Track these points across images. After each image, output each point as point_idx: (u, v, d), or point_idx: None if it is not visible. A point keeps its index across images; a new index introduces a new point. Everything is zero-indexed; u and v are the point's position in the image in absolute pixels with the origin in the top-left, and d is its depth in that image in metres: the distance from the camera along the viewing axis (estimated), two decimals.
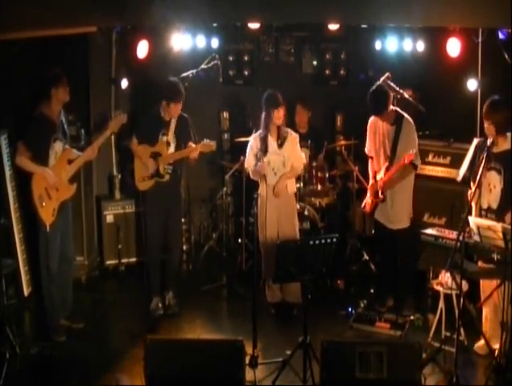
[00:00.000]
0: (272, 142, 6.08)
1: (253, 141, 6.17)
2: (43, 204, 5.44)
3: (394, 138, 5.94)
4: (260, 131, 6.12)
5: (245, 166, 6.21)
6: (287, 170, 6.12)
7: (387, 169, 6.01)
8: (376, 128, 6.10)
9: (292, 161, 6.12)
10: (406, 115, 5.97)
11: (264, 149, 6.05)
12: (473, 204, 5.20)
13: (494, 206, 5.15)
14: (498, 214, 5.09)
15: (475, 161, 5.27)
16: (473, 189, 5.08)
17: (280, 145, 6.06)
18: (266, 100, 6.05)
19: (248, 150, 6.18)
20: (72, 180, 5.66)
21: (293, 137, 6.15)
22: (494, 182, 5.13)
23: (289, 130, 6.16)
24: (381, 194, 6.05)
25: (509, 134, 5.11)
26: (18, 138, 5.53)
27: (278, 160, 6.09)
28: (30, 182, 5.43)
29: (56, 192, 5.51)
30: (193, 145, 6.10)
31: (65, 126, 5.67)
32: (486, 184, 5.17)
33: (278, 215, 6.13)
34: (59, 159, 5.56)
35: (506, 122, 5.05)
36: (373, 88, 5.92)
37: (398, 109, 6.01)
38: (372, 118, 6.11)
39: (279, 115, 6.00)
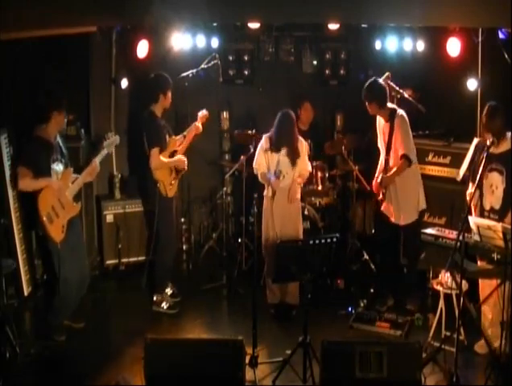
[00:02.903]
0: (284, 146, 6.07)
1: (264, 140, 6.15)
2: (52, 222, 5.41)
3: (389, 136, 5.97)
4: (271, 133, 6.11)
5: (255, 165, 6.19)
6: (295, 173, 6.11)
7: (382, 169, 6.05)
8: (379, 126, 6.14)
9: (300, 167, 6.13)
10: (398, 110, 5.97)
11: (276, 150, 6.04)
12: (473, 205, 5.20)
13: (497, 207, 5.15)
14: (501, 215, 5.09)
15: (475, 161, 5.27)
16: (473, 189, 5.09)
17: (293, 158, 6.05)
18: (280, 124, 6.05)
19: (259, 150, 6.16)
20: (76, 199, 5.66)
21: (303, 145, 6.15)
22: (496, 183, 5.13)
23: (300, 138, 6.15)
24: (381, 195, 6.07)
25: (509, 134, 5.12)
26: (17, 163, 5.51)
27: (287, 161, 6.07)
28: (35, 203, 5.37)
29: (63, 210, 5.47)
30: (196, 124, 6.39)
31: (63, 148, 5.61)
32: (488, 185, 5.17)
33: (283, 216, 6.13)
34: (62, 179, 5.50)
35: (502, 127, 5.07)
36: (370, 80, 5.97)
37: (393, 106, 6.03)
38: (378, 116, 6.12)
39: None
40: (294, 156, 6.06)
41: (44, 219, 5.37)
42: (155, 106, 6.17)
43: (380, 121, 6.11)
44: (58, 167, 5.50)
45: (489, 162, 5.07)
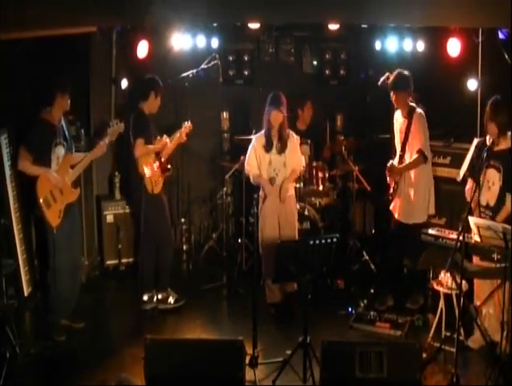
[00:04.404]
0: (274, 142, 6.06)
1: (255, 141, 6.15)
2: (50, 206, 5.46)
3: (406, 133, 5.98)
4: (263, 131, 6.09)
5: (246, 167, 6.16)
6: (288, 170, 6.10)
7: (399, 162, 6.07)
8: (396, 123, 6.15)
9: (292, 163, 6.11)
10: (417, 109, 5.98)
11: (269, 149, 6.03)
12: (473, 202, 5.20)
13: (492, 203, 5.20)
14: (495, 211, 5.14)
15: (475, 161, 5.28)
16: (471, 185, 5.09)
17: (282, 149, 6.03)
18: (268, 100, 6.02)
19: (250, 151, 6.14)
20: (76, 184, 5.70)
21: (294, 140, 6.14)
22: (493, 179, 5.17)
23: (291, 132, 6.15)
24: (391, 189, 6.08)
25: (509, 133, 5.14)
26: (19, 143, 5.56)
27: (279, 160, 6.07)
28: (34, 186, 5.44)
29: (61, 195, 5.53)
30: (181, 131, 6.33)
31: (66, 132, 5.68)
32: (485, 182, 5.20)
33: (279, 215, 6.12)
34: (61, 164, 5.57)
35: (508, 122, 5.08)
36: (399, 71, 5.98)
37: (412, 104, 6.03)
38: (395, 113, 6.14)
39: (277, 116, 5.97)
40: (282, 141, 6.02)
41: (41, 202, 5.42)
42: (144, 104, 6.16)
43: (397, 119, 6.12)
44: (60, 151, 5.56)
45: (488, 158, 5.08)
